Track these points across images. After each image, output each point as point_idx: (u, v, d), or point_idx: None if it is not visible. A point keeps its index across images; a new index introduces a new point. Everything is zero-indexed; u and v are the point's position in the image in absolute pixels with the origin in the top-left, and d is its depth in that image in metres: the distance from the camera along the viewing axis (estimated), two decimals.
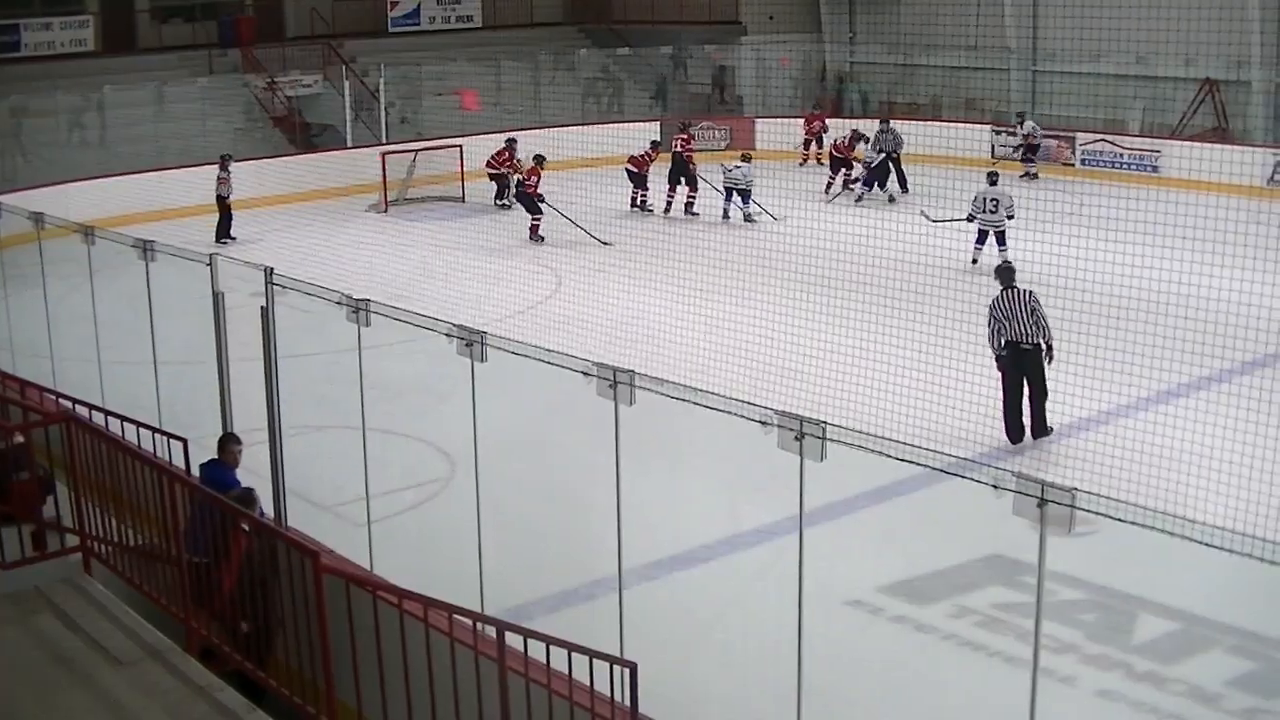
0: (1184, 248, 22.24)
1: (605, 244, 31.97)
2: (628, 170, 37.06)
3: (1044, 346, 18.41)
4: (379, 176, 38.32)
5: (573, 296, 26.87)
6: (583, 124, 44.08)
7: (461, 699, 9.63)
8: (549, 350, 11.22)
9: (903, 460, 8.97)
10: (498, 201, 38.30)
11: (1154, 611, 13.97)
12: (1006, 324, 18.37)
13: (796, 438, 9.27)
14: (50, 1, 45.19)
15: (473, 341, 11.78)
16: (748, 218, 34.12)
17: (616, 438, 10.63)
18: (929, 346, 20.13)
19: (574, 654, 9.35)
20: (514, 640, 9.59)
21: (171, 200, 34.87)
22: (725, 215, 34.82)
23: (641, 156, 37.02)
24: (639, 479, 11.40)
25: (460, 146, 39.51)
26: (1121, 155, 39.57)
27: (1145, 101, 41.82)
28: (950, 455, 9.62)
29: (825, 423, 9.22)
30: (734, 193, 34.63)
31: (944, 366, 19.05)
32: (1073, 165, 40.19)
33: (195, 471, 13.44)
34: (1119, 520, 7.72)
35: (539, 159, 33.84)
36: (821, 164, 41.30)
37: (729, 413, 9.67)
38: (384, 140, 42.62)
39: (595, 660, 9.39)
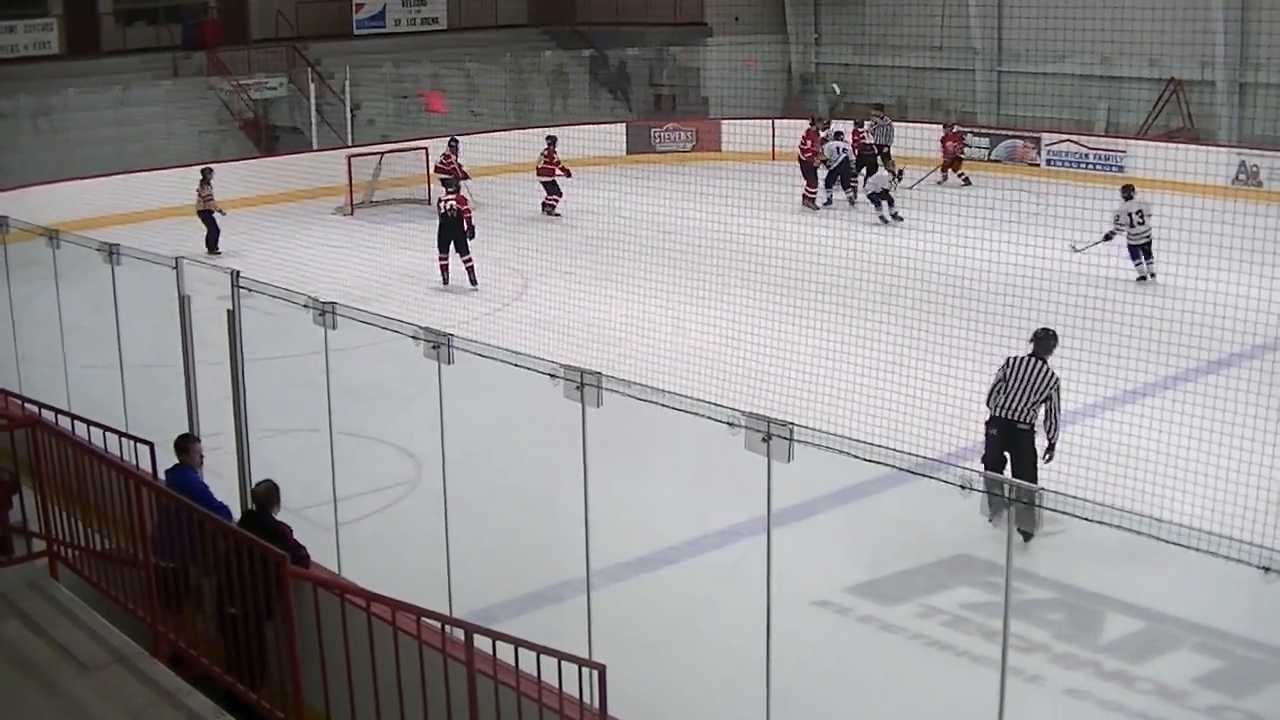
0: (1150, 248, 22.33)
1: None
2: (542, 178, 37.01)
3: (1038, 433, 15.80)
4: (344, 179, 38.23)
5: (540, 299, 26.87)
6: (549, 125, 44.02)
7: (430, 702, 9.63)
8: (516, 352, 11.22)
9: (870, 461, 8.99)
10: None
11: (1121, 610, 14.01)
12: (1006, 389, 15.76)
13: (764, 439, 9.28)
14: (13, 4, 44.98)
15: (439, 344, 11.78)
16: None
17: (584, 440, 10.64)
18: (896, 348, 20.19)
19: (543, 656, 9.36)
20: (483, 643, 9.59)
21: (137, 204, 34.75)
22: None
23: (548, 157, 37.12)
24: (606, 481, 11.39)
25: (426, 149, 39.40)
26: (1087, 155, 39.68)
27: (1110, 102, 41.95)
28: (917, 456, 9.62)
29: (792, 424, 9.24)
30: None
31: (911, 368, 19.10)
32: (1038, 165, 40.27)
33: (162, 476, 13.37)
34: (1086, 519, 7.74)
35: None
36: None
37: (696, 414, 9.68)
38: (349, 143, 42.50)
39: (564, 662, 9.39)
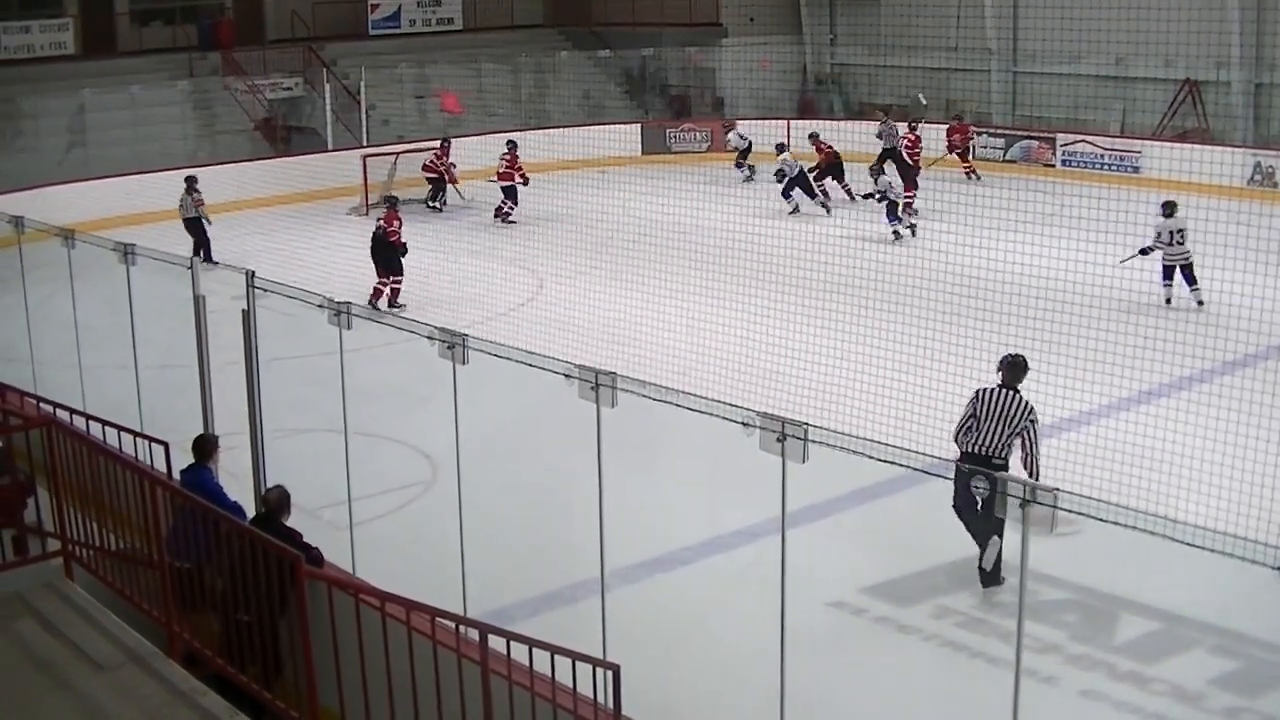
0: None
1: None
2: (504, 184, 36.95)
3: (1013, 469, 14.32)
4: (360, 179, 38.26)
5: (554, 299, 26.86)
6: (564, 126, 44.03)
7: (445, 702, 9.62)
8: (530, 353, 11.22)
9: (885, 461, 8.98)
10: (430, 203, 38.32)
11: (1136, 611, 13.99)
12: (978, 424, 14.50)
13: (778, 439, 9.27)
14: (29, 4, 45.06)
15: (454, 344, 11.78)
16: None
17: (598, 440, 10.63)
18: (911, 348, 20.17)
19: (557, 656, 9.35)
20: (497, 643, 9.58)
21: (152, 204, 34.74)
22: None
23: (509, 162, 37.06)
24: (621, 481, 11.38)
25: (445, 137, 39.41)
26: (1102, 156, 39.61)
27: (1125, 102, 41.87)
28: (932, 456, 9.63)
29: (807, 424, 9.23)
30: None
31: (926, 368, 19.08)
32: (1053, 166, 40.22)
33: (177, 477, 13.38)
34: (1101, 520, 7.73)
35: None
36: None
37: (711, 414, 9.68)
38: (364, 143, 42.52)
39: (578, 662, 9.39)
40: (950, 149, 40.22)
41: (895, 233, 31.91)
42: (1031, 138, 41.61)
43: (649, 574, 14.92)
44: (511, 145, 37.10)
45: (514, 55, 50.04)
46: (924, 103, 44.22)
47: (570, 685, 9.43)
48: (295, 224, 36.28)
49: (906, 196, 33.44)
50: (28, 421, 13.85)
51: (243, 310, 13.99)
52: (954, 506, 13.93)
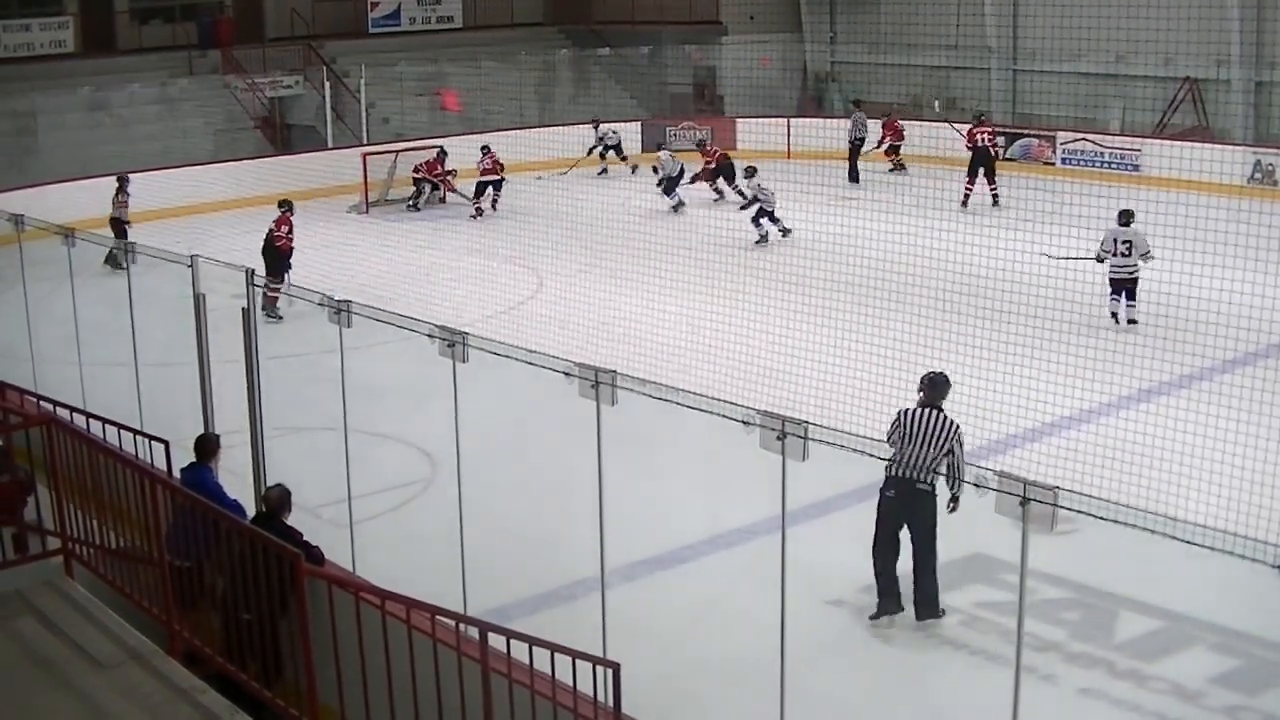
0: (1165, 246, 22.29)
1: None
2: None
3: (938, 492, 13.64)
4: (360, 177, 38.27)
5: (554, 297, 26.87)
6: (564, 124, 44.03)
7: (445, 700, 9.63)
8: (531, 351, 11.22)
9: (885, 459, 8.99)
10: (411, 204, 38.64)
11: (1135, 609, 13.99)
12: (903, 446, 13.38)
13: (778, 437, 9.28)
14: (29, 2, 45.08)
15: (454, 342, 11.79)
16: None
17: (598, 438, 10.63)
18: (912, 346, 20.14)
19: (557, 655, 9.35)
20: (497, 641, 9.58)
21: (151, 202, 34.74)
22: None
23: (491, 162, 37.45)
24: (621, 479, 11.38)
25: (441, 147, 39.45)
26: (1102, 154, 39.60)
27: (1126, 100, 41.87)
28: None
29: (807, 423, 9.24)
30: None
31: (926, 366, 19.04)
32: (1053, 164, 40.22)
33: (177, 475, 13.38)
34: (1101, 519, 7.74)
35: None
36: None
37: (711, 413, 9.68)
38: (364, 141, 42.56)
39: (578, 661, 9.38)
40: (880, 142, 41.38)
41: (763, 236, 32.00)
42: (1032, 136, 41.60)
43: (649, 572, 14.93)
44: (485, 150, 37.56)
45: (514, 53, 50.04)
46: (937, 109, 44.49)
47: (570, 683, 9.43)
48: (295, 222, 36.24)
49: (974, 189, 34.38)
50: (28, 420, 13.85)
51: (242, 308, 13.99)
52: (874, 540, 13.64)
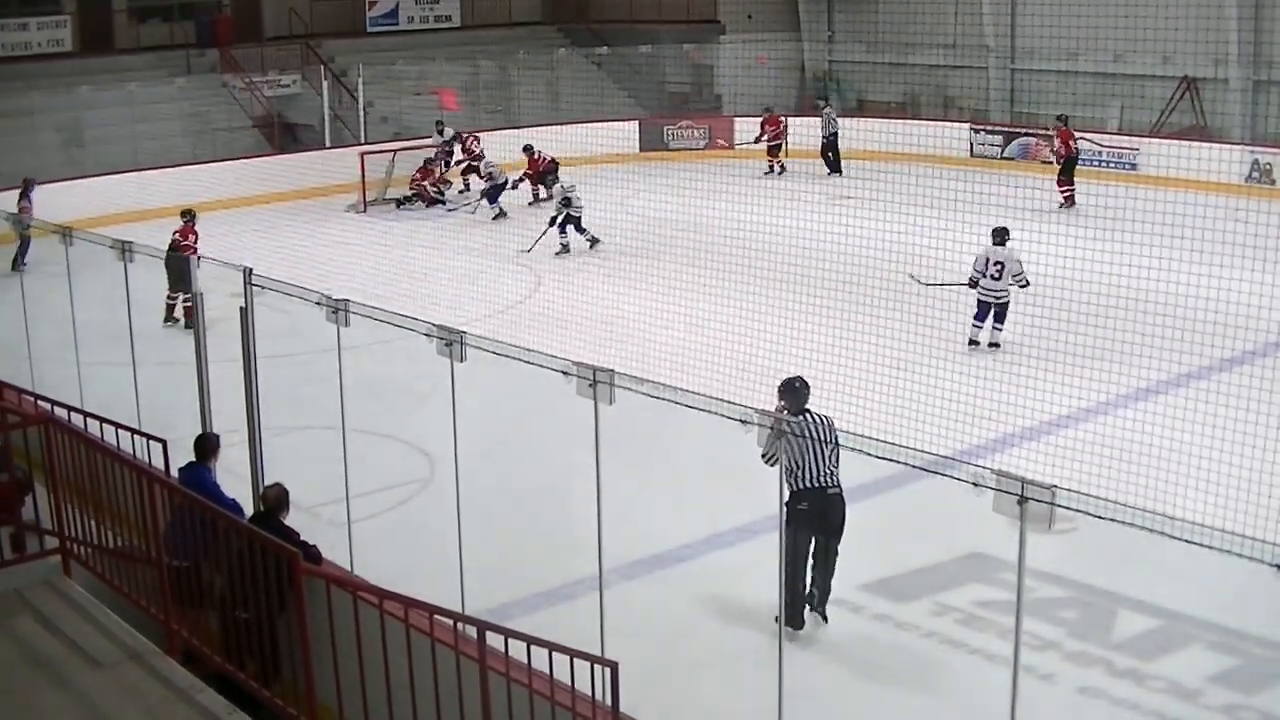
0: (1162, 245, 22.30)
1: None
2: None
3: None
4: (358, 176, 38.27)
5: (552, 296, 26.87)
6: (558, 124, 44.00)
7: (443, 699, 9.63)
8: (529, 350, 11.22)
9: (883, 459, 8.99)
10: (402, 203, 38.97)
11: (1134, 608, 14.01)
12: (805, 461, 13.13)
13: (776, 436, 9.28)
14: (27, 1, 45.09)
15: (452, 341, 11.78)
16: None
17: (596, 437, 10.63)
18: (908, 345, 20.17)
19: (555, 654, 9.35)
20: (495, 640, 9.59)
21: (150, 201, 34.76)
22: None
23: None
24: (619, 478, 11.37)
25: (446, 142, 39.47)
26: (1100, 153, 39.55)
27: (1124, 99, 41.89)
28: (930, 454, 9.62)
29: (804, 423, 9.24)
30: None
31: (923, 365, 19.08)
32: (1051, 163, 40.20)
33: (175, 474, 13.38)
34: (1099, 517, 7.73)
35: None
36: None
37: (709, 411, 9.68)
38: (363, 140, 42.57)
39: (576, 660, 9.38)
40: (758, 139, 42.44)
41: (565, 246, 31.76)
42: (1030, 135, 41.59)
43: (647, 571, 14.93)
44: (528, 149, 37.91)
45: (512, 52, 50.04)
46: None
47: (568, 682, 9.43)
48: (293, 221, 36.32)
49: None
50: (25, 419, 13.85)
51: (240, 307, 13.98)
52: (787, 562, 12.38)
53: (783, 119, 42.79)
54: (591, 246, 31.79)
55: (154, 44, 47.36)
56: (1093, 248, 23.24)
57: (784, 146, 42.41)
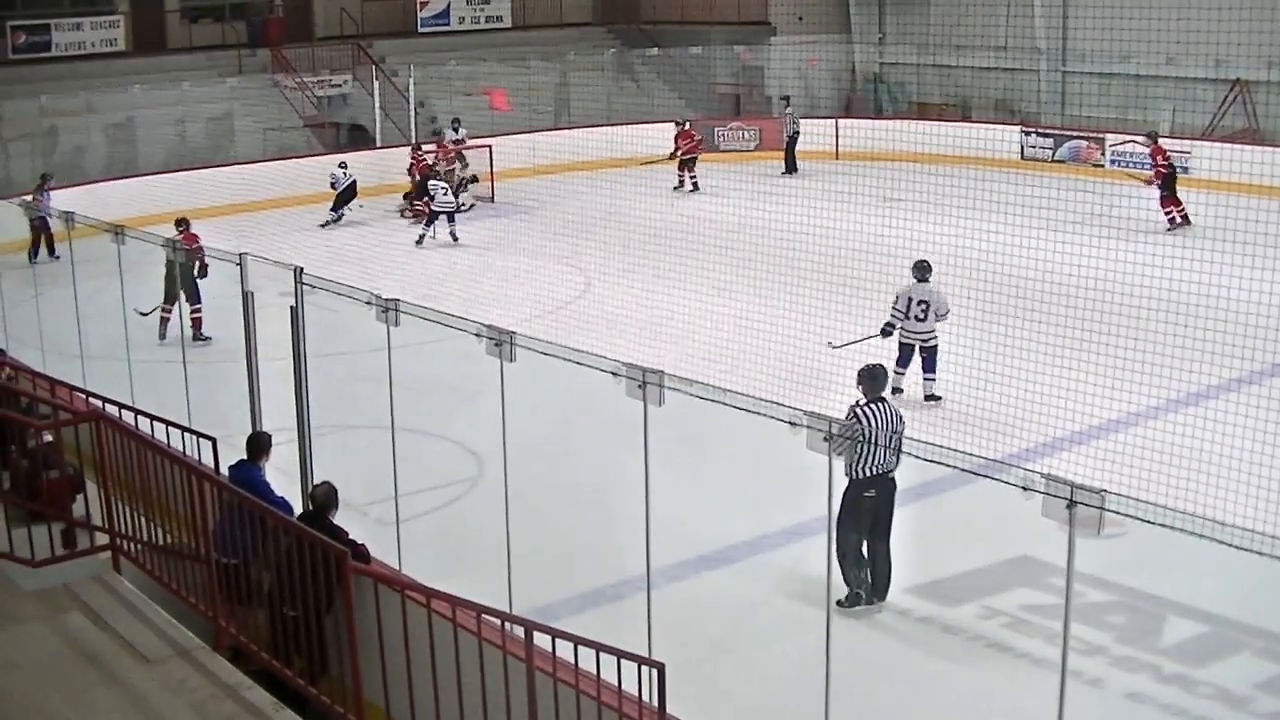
0: (1214, 249, 22.19)
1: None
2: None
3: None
4: (408, 176, 38.32)
5: (602, 297, 26.88)
6: (609, 124, 44.05)
7: (489, 698, 9.64)
8: (578, 350, 11.21)
9: (931, 461, 8.96)
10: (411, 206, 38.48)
11: (1182, 614, 13.94)
12: (874, 442, 13.54)
13: (825, 438, 9.26)
14: (81, 2, 45.41)
15: (502, 341, 11.78)
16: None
17: (645, 438, 10.62)
18: (956, 347, 20.09)
19: (602, 654, 9.36)
20: (542, 640, 9.60)
21: (201, 200, 34.91)
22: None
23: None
24: (667, 479, 11.36)
25: (490, 146, 39.54)
26: (1151, 156, 39.34)
27: (1175, 102, 41.66)
28: (979, 457, 9.59)
29: (854, 424, 9.22)
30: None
31: (975, 369, 19.00)
32: (1102, 166, 40.04)
33: (225, 471, 13.43)
34: (1148, 522, 7.70)
35: None
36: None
37: (757, 413, 9.66)
38: (413, 140, 42.68)
39: (623, 660, 9.39)
40: (672, 154, 41.33)
41: (424, 237, 33.45)
42: (1080, 138, 41.43)
43: (695, 572, 14.92)
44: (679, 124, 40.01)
45: (562, 53, 50.12)
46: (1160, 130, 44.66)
47: (615, 683, 9.43)
48: (343, 220, 36.42)
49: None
50: (76, 415, 13.92)
51: (290, 306, 14.02)
52: (848, 540, 13.72)
53: (695, 133, 41.80)
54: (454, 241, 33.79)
55: (206, 44, 47.63)
56: (1142, 251, 23.15)
57: (696, 160, 41.33)
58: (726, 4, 52.36)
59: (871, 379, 14.40)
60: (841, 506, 13.32)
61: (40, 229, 31.55)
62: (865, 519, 13.79)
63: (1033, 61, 45.77)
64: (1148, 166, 35.06)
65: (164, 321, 24.52)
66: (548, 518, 15.25)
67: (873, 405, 14.09)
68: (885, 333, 20.74)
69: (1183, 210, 33.05)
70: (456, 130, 40.66)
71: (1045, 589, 14.16)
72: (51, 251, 31.12)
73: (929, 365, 20.54)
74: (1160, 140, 35.27)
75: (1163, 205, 33.32)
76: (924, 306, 20.50)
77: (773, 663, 13.06)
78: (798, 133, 42.93)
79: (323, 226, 36.30)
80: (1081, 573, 8.47)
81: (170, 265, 22.92)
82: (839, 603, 13.70)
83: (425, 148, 39.01)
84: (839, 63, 51.16)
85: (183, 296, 23.38)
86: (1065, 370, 19.72)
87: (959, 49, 46.32)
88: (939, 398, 20.34)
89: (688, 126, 41.85)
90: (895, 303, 20.73)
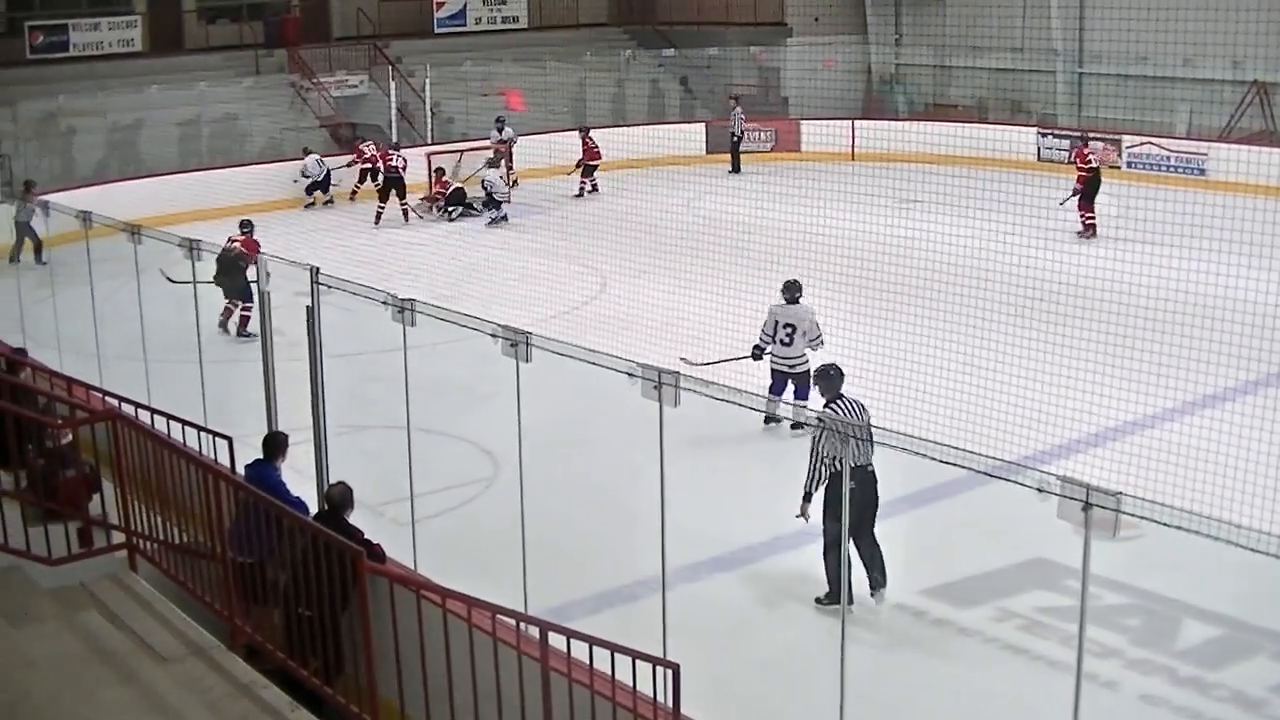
0: (1231, 251, 22.15)
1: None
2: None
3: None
4: (424, 177, 38.36)
5: (617, 297, 26.88)
6: (628, 125, 44.08)
7: (504, 698, 9.66)
8: (594, 351, 11.22)
9: (946, 463, 8.96)
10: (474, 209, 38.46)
11: (1198, 616, 13.92)
12: (844, 446, 12.25)
13: (841, 441, 9.27)
14: (98, 2, 45.50)
15: (518, 342, 11.80)
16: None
17: (660, 439, 10.62)
18: (974, 349, 20.07)
19: (617, 654, 9.37)
20: (557, 640, 9.61)
21: (217, 200, 34.98)
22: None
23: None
24: (682, 479, 11.37)
25: (510, 145, 39.55)
26: (1168, 158, 39.30)
27: (1192, 103, 41.58)
28: (994, 458, 9.58)
29: (870, 425, 9.22)
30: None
31: (989, 369, 18.98)
32: (1119, 168, 39.99)
33: (241, 470, 13.46)
34: (1164, 524, 7.69)
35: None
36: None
37: (774, 415, 9.67)
38: (429, 141, 42.71)
39: (638, 661, 9.40)
40: (578, 164, 40.47)
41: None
42: (1097, 139, 41.37)
43: (710, 573, 14.92)
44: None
45: (579, 54, 50.11)
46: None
47: (630, 683, 9.44)
48: (359, 220, 36.47)
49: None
50: (93, 414, 13.96)
51: (306, 306, 14.04)
52: (836, 535, 13.42)
53: (590, 141, 40.75)
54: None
55: (223, 44, 47.69)
56: (1161, 253, 23.12)
57: (597, 167, 40.68)
58: (743, 5, 52.31)
59: (826, 379, 14.64)
60: (825, 501, 13.67)
61: (26, 234, 31.34)
62: (851, 512, 12.82)
63: (1049, 63, 45.69)
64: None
65: (233, 317, 24.76)
66: (563, 518, 15.27)
67: (834, 404, 14.25)
68: (755, 355, 19.26)
69: (1093, 220, 32.34)
70: (501, 130, 40.55)
71: (1060, 591, 14.15)
72: (38, 257, 30.89)
73: (802, 394, 18.37)
74: (1092, 143, 35.46)
75: (1080, 209, 32.59)
76: (790, 330, 19.17)
77: (787, 664, 13.06)
78: (744, 133, 43.61)
79: (307, 208, 37.36)
80: (1097, 575, 8.46)
81: (221, 263, 23.26)
82: (818, 600, 13.77)
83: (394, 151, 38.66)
84: (855, 63, 51.11)
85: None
86: (1081, 372, 19.70)
87: (975, 50, 46.27)
88: (803, 425, 16.50)
89: (587, 135, 40.83)
90: (764, 326, 19.52)
